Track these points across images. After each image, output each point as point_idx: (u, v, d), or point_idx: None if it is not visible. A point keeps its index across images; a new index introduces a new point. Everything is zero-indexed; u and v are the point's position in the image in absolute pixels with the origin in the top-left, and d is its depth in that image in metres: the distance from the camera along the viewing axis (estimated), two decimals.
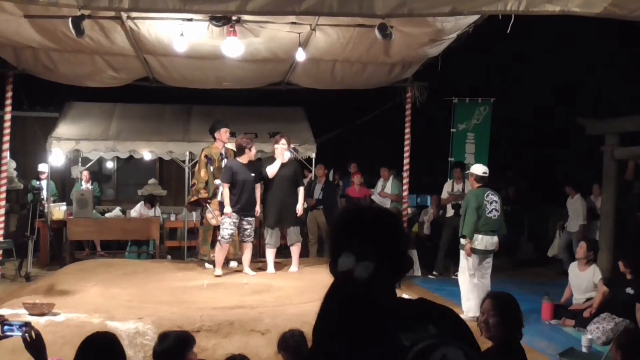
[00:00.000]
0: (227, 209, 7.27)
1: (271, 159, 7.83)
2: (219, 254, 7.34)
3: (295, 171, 7.82)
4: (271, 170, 7.56)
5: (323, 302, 1.58)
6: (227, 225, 7.27)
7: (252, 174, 7.45)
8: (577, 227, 9.90)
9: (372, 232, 1.64)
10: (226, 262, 7.74)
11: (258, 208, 7.55)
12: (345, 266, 1.58)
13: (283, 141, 7.65)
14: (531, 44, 12.40)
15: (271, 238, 7.68)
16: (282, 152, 7.62)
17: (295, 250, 7.75)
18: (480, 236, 6.67)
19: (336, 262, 1.62)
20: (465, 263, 6.78)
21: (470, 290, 6.73)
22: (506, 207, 8.34)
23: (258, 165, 7.72)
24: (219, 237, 7.36)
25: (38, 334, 2.75)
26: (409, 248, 1.75)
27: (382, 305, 1.52)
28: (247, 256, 7.48)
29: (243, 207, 7.35)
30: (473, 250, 6.70)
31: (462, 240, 6.80)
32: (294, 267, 7.71)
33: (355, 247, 1.59)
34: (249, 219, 7.44)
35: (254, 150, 7.59)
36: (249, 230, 7.46)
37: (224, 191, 7.32)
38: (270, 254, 7.67)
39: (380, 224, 1.68)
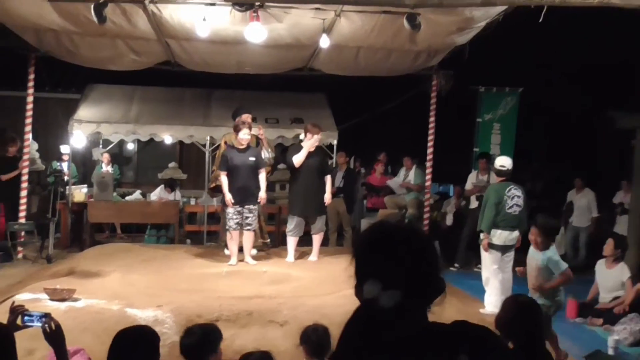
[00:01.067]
0: (227, 196, 7.26)
1: (297, 147, 7.82)
2: (230, 243, 7.36)
3: (322, 160, 7.82)
4: (297, 159, 7.55)
5: (345, 327, 1.50)
6: (232, 214, 7.27)
7: (251, 158, 7.40)
8: (587, 222, 9.76)
9: (401, 256, 1.52)
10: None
11: (262, 194, 7.43)
12: (371, 294, 1.48)
13: (320, 136, 7.69)
14: (562, 33, 12.17)
15: (294, 226, 7.68)
16: (315, 144, 7.60)
17: (317, 239, 7.78)
18: (498, 231, 6.61)
19: (362, 287, 1.52)
20: (488, 257, 6.73)
21: (492, 285, 6.69)
22: (533, 202, 8.26)
23: (258, 149, 7.66)
24: (227, 227, 7.37)
25: (58, 326, 2.79)
26: (441, 271, 1.61)
27: (409, 335, 1.43)
28: (247, 245, 7.45)
29: (242, 195, 7.28)
30: (491, 246, 6.64)
31: (480, 235, 6.76)
32: (313, 256, 7.73)
33: (382, 273, 1.49)
34: (251, 206, 7.38)
35: (242, 134, 7.36)
36: (250, 218, 7.39)
37: (222, 179, 7.31)
38: (291, 242, 7.69)
39: (410, 246, 1.55)
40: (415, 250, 1.55)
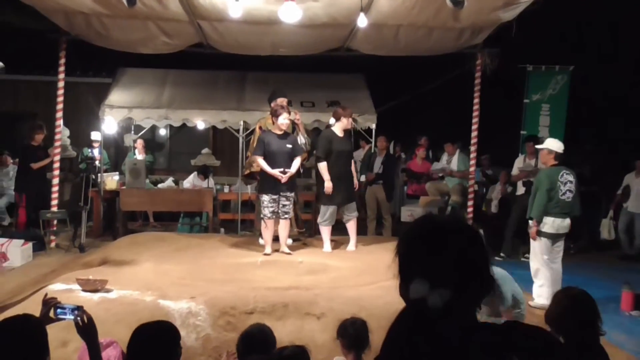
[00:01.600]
0: (271, 171, 7.22)
1: (326, 134, 7.79)
2: (265, 232, 7.37)
3: (352, 145, 7.82)
4: (323, 169, 7.54)
5: (390, 329, 1.46)
6: (267, 202, 7.28)
7: (288, 145, 7.38)
8: None
9: (451, 252, 1.48)
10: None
11: (287, 175, 7.28)
12: (418, 294, 1.45)
13: (351, 120, 7.68)
14: (617, 6, 11.80)
15: (329, 215, 7.66)
16: (347, 127, 7.61)
17: (352, 226, 7.74)
18: (551, 219, 6.48)
19: (407, 286, 1.49)
20: (538, 246, 6.61)
21: (543, 276, 6.57)
22: (582, 187, 8.06)
23: (294, 136, 7.64)
24: (261, 215, 7.38)
25: (90, 319, 2.83)
26: (491, 267, 1.56)
27: (458, 337, 1.39)
28: (283, 234, 7.46)
29: (278, 182, 7.26)
30: (543, 234, 6.52)
31: (529, 222, 6.64)
32: (351, 245, 7.71)
33: (429, 271, 1.46)
34: (287, 194, 7.37)
35: (282, 119, 7.33)
36: (286, 207, 7.40)
37: (261, 162, 7.32)
38: (326, 232, 7.68)
39: (460, 241, 1.51)
40: (465, 245, 1.51)
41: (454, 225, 1.57)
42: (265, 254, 7.24)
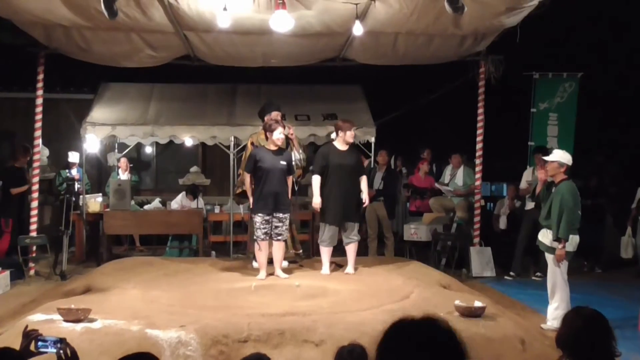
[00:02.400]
0: (252, 200, 7.29)
1: (326, 147, 7.81)
2: (259, 255, 7.34)
3: (357, 159, 7.79)
4: (315, 192, 7.59)
5: None
6: (259, 223, 7.26)
7: (282, 162, 7.37)
8: None
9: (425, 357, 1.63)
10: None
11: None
12: None
13: (353, 132, 7.70)
14: (624, 8, 11.90)
15: (328, 235, 7.62)
16: (349, 140, 7.64)
17: (352, 248, 7.70)
18: (570, 236, 6.48)
19: None
20: (562, 267, 6.56)
21: (559, 297, 6.53)
22: (587, 200, 8.10)
23: (289, 152, 7.65)
24: (254, 237, 7.36)
25: (73, 352, 2.81)
26: None
27: None
28: (277, 256, 7.42)
29: (271, 202, 7.24)
30: (566, 254, 6.50)
31: (555, 244, 6.53)
32: (349, 268, 7.67)
33: None
34: (280, 215, 7.32)
35: (278, 133, 7.32)
36: (280, 228, 7.34)
37: (246, 181, 7.32)
38: (325, 252, 7.65)
39: (435, 345, 1.66)
40: (439, 348, 1.67)
41: (426, 326, 1.73)
42: (259, 279, 7.20)
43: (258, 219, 7.25)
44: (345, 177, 7.58)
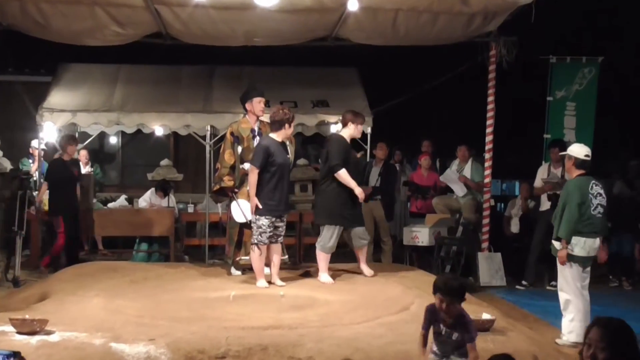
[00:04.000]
0: (255, 200, 7.22)
1: (338, 140, 7.76)
2: (257, 261, 7.32)
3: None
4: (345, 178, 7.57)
5: None
6: (266, 227, 7.25)
7: (288, 156, 7.45)
8: None
9: None
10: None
11: None
12: None
13: (361, 128, 7.80)
14: None
15: (330, 239, 7.61)
16: (357, 136, 7.73)
17: (365, 251, 7.91)
18: (582, 239, 6.50)
19: None
20: (569, 273, 6.62)
21: (574, 308, 6.58)
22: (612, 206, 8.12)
23: (287, 144, 7.66)
24: (255, 241, 7.36)
25: None
26: None
27: None
28: (276, 261, 7.47)
29: (283, 203, 7.31)
30: (575, 258, 6.55)
31: (556, 244, 6.64)
32: (367, 269, 7.84)
33: None
34: (284, 215, 7.46)
35: (293, 126, 7.53)
36: (281, 229, 7.44)
37: (252, 178, 7.30)
38: (324, 259, 7.67)
39: None
40: None
41: None
42: (259, 286, 7.21)
43: (265, 221, 7.24)
44: (355, 173, 7.68)
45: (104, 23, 8.63)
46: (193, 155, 13.31)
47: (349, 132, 7.73)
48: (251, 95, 7.97)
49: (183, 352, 5.06)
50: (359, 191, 7.53)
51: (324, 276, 7.64)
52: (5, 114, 11.32)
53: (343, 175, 7.50)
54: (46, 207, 10.10)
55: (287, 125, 7.38)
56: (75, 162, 9.88)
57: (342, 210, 7.59)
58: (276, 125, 7.40)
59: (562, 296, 6.69)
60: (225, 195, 8.15)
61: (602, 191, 6.61)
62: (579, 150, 6.75)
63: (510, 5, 8.26)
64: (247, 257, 7.75)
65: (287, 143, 7.71)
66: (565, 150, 7.20)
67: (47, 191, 9.67)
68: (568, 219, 6.48)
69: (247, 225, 7.64)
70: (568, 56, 10.65)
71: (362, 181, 8.70)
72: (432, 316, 4.39)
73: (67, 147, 9.60)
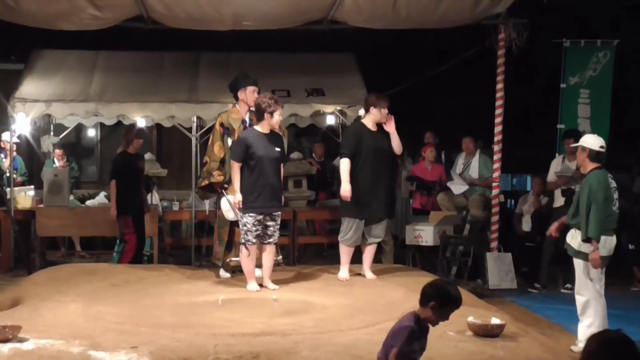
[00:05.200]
0: (238, 196, 7.25)
1: (356, 126, 7.80)
2: (247, 262, 7.33)
3: (390, 142, 7.79)
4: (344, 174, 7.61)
5: None
6: (250, 225, 7.27)
7: (277, 149, 7.40)
8: None
9: None
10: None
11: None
12: None
13: (384, 111, 7.74)
14: None
15: (351, 232, 7.71)
16: (383, 120, 7.72)
17: (371, 251, 7.93)
18: (604, 238, 6.51)
19: None
20: (595, 274, 6.60)
21: (593, 312, 6.58)
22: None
23: (281, 136, 7.66)
24: (243, 240, 7.36)
25: None
26: None
27: None
28: (268, 263, 7.45)
29: (267, 198, 7.25)
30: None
31: (586, 246, 6.58)
32: (369, 272, 7.86)
33: None
34: (274, 213, 7.38)
35: (278, 116, 7.35)
36: (272, 228, 7.40)
37: (233, 173, 7.32)
38: (346, 253, 7.79)
39: None
40: None
41: None
42: (251, 289, 7.22)
43: (249, 219, 7.24)
44: (378, 162, 7.66)
45: (80, 6, 8.59)
46: (178, 148, 13.32)
47: (373, 117, 7.75)
48: (244, 84, 7.94)
49: None
50: (343, 189, 7.57)
51: (340, 271, 7.79)
52: None
53: (342, 165, 7.62)
54: (20, 205, 10.10)
55: (267, 116, 7.30)
56: (141, 157, 9.80)
57: (359, 202, 7.62)
58: (258, 115, 7.40)
59: (580, 300, 6.66)
60: (214, 191, 8.15)
61: (615, 184, 6.65)
62: (593, 141, 6.72)
63: None
64: (237, 258, 7.75)
65: (282, 135, 7.72)
66: (579, 141, 7.14)
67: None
68: (598, 218, 6.40)
69: (238, 223, 7.65)
70: (582, 40, 10.66)
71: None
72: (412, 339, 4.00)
73: (132, 140, 9.54)
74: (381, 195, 7.71)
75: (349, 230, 7.73)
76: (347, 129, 7.85)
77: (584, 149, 6.68)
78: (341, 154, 7.78)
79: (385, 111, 7.75)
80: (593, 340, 3.23)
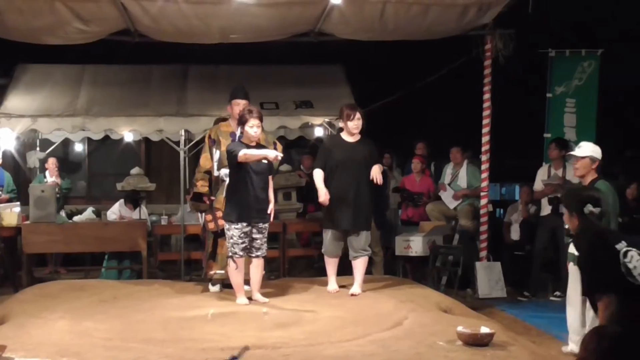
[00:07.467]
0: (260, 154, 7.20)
1: (334, 139, 7.79)
2: (235, 275, 7.28)
3: (371, 152, 7.76)
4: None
5: None
6: (237, 237, 7.23)
7: (265, 161, 7.36)
8: None
9: None
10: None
11: (272, 206, 7.42)
12: None
13: (358, 115, 7.73)
14: None
15: (327, 242, 7.78)
16: (353, 131, 7.71)
17: (359, 265, 7.83)
18: None
19: None
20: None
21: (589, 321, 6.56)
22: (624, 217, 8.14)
23: (270, 149, 7.62)
24: (229, 253, 7.33)
25: None
26: None
27: None
28: (256, 277, 7.41)
29: (252, 210, 7.21)
30: None
31: None
32: (355, 287, 7.78)
33: None
34: (260, 225, 7.34)
35: (252, 129, 7.20)
36: (259, 241, 7.35)
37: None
38: (330, 264, 7.84)
39: None
40: None
41: None
42: (240, 303, 7.18)
43: (235, 231, 7.20)
44: (350, 174, 7.64)
45: (66, 19, 8.57)
46: (166, 162, 13.29)
47: (345, 129, 7.78)
48: (232, 97, 7.97)
49: None
50: (319, 194, 7.59)
51: (329, 284, 7.86)
52: None
53: (315, 175, 7.71)
54: (6, 222, 10.01)
55: (245, 127, 7.28)
56: None
57: (331, 212, 7.64)
58: (240, 128, 7.39)
59: (572, 309, 6.57)
60: (202, 201, 8.11)
61: None
62: (598, 150, 6.67)
63: None
64: (222, 271, 7.73)
65: (275, 147, 7.72)
66: (566, 148, 7.17)
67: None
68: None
69: (221, 234, 7.63)
70: (567, 49, 10.72)
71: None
72: None
73: None
74: (353, 206, 7.65)
75: (325, 241, 7.82)
76: (322, 142, 7.81)
77: (593, 159, 6.60)
78: (313, 167, 7.90)
79: (353, 123, 7.70)
80: (592, 333, 3.23)
